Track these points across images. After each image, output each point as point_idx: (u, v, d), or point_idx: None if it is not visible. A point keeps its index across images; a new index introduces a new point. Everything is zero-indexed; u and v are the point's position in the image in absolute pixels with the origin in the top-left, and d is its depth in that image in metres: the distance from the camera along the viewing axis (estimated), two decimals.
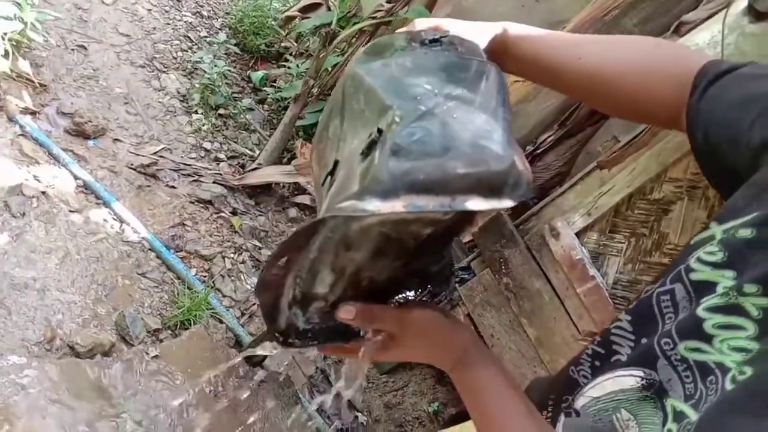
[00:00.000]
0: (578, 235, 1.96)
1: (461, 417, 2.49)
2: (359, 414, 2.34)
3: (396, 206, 0.52)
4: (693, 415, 0.58)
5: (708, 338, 0.60)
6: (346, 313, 0.71)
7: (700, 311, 0.61)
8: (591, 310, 1.91)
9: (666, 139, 1.76)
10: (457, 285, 2.30)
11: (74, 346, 1.82)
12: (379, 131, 0.56)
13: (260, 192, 2.91)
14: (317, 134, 0.75)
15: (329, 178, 0.64)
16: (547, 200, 2.05)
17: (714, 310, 0.60)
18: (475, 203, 0.54)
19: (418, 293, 0.80)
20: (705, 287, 0.62)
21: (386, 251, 0.69)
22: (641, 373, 0.68)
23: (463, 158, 0.53)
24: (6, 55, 2.42)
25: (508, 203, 0.56)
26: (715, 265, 0.62)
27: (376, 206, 0.52)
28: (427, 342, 0.75)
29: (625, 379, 0.70)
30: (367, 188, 0.53)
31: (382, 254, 0.69)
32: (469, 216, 0.76)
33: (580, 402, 0.77)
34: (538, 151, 2.40)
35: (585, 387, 0.77)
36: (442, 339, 0.75)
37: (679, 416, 0.61)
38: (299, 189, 2.98)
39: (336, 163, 0.64)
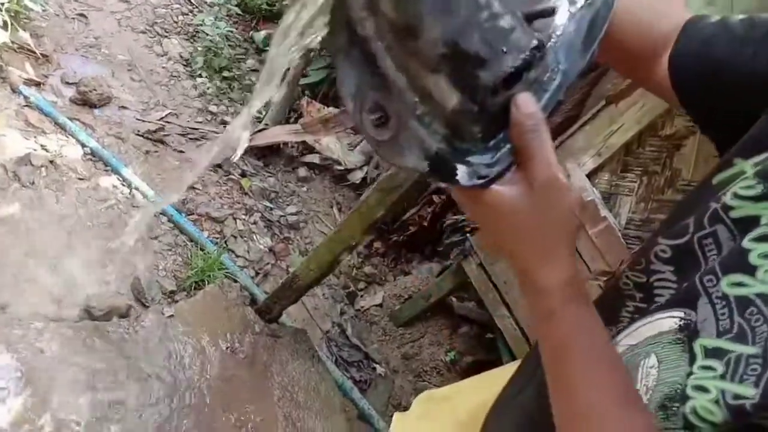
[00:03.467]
0: (589, 176, 1.93)
1: (478, 365, 2.50)
2: (377, 365, 2.37)
3: None
4: (740, 347, 0.56)
5: (752, 270, 0.57)
6: (528, 99, 0.55)
7: (746, 242, 0.59)
8: (604, 252, 1.89)
9: None
10: (468, 235, 2.29)
11: (91, 310, 1.85)
12: None
13: (268, 153, 2.90)
14: None
15: None
16: (556, 143, 2.01)
17: (760, 239, 0.58)
18: None
19: None
20: (748, 222, 0.60)
21: None
22: (681, 314, 0.65)
23: None
24: (5, 26, 2.40)
25: None
26: (755, 199, 0.60)
27: None
28: (563, 216, 0.57)
29: (664, 322, 0.67)
30: None
31: None
32: None
33: None
34: None
35: (618, 336, 0.75)
36: (575, 226, 0.59)
37: (713, 353, 0.59)
38: (308, 148, 2.97)
39: None
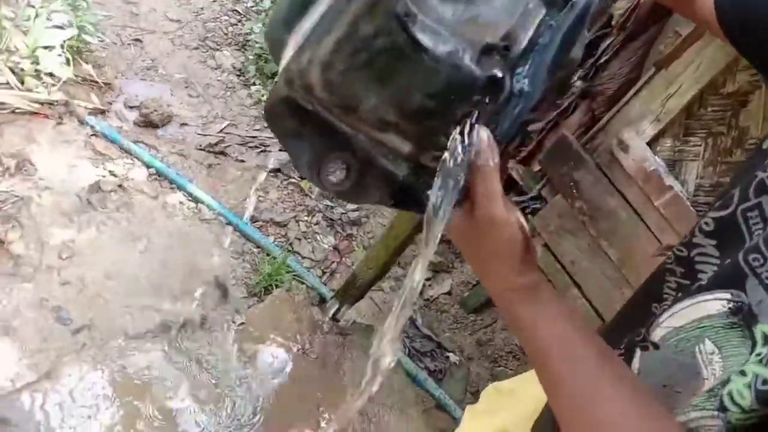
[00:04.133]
0: (650, 144, 1.83)
1: None
2: (451, 354, 2.36)
3: None
4: None
5: None
6: (482, 135, 0.58)
7: None
8: (673, 222, 1.79)
9: None
10: (529, 216, 2.23)
11: (168, 324, 1.95)
12: None
13: None
14: None
15: None
16: (612, 112, 1.92)
17: None
18: None
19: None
20: None
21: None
22: (728, 296, 0.62)
23: None
24: (68, 62, 2.55)
25: None
26: None
27: None
28: (500, 246, 0.62)
29: (710, 304, 0.64)
30: None
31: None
32: None
33: (657, 333, 0.71)
34: (601, 60, 2.24)
35: (662, 317, 0.72)
36: (518, 253, 0.62)
37: None
38: None
39: None
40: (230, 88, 3.10)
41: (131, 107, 2.73)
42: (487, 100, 0.58)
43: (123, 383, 1.70)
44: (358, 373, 2.01)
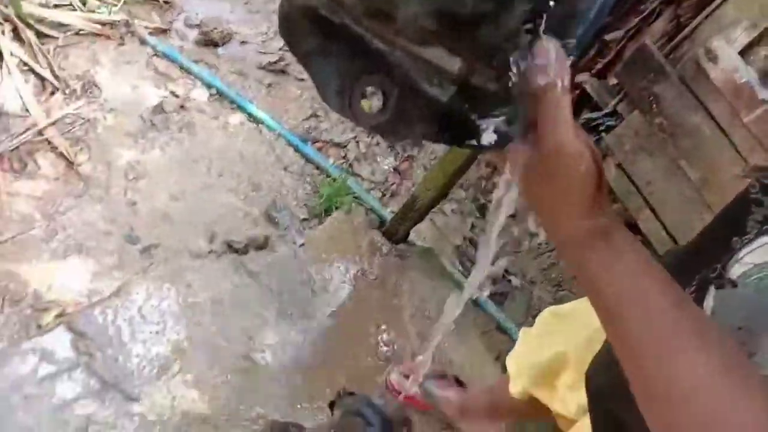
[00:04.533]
0: (742, 54, 1.64)
1: None
2: (513, 277, 2.31)
3: None
4: None
5: None
6: (549, 47, 0.50)
7: None
8: (764, 140, 1.63)
9: None
10: (603, 134, 2.09)
11: (232, 244, 1.98)
12: None
13: None
14: None
15: None
16: (700, 18, 1.72)
17: None
18: None
19: None
20: None
21: None
22: None
23: None
24: None
25: None
26: None
27: None
28: (570, 182, 0.55)
29: None
30: None
31: None
32: None
33: (736, 270, 0.65)
34: None
35: (741, 251, 0.65)
36: (590, 191, 0.55)
37: None
38: None
39: None
40: None
41: (191, 26, 2.70)
42: (553, 1, 0.47)
43: (189, 301, 1.76)
44: (416, 295, 2.00)
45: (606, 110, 2.10)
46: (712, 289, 0.69)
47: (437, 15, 0.47)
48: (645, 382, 0.53)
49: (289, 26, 0.53)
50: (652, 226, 1.97)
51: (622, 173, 2.03)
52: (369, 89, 0.53)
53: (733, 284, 0.66)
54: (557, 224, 0.58)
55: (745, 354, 0.63)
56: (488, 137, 0.53)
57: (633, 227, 2.17)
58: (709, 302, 0.69)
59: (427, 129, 0.55)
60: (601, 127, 2.10)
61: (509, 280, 2.29)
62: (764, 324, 0.62)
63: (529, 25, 0.49)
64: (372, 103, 0.53)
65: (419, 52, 0.51)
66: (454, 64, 0.51)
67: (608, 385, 0.91)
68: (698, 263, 0.74)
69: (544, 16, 0.48)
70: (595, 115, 2.13)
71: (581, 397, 1.09)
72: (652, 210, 1.96)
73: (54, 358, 1.59)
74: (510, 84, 0.51)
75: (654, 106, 1.87)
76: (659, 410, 0.52)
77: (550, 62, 0.49)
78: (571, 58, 0.53)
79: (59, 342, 1.62)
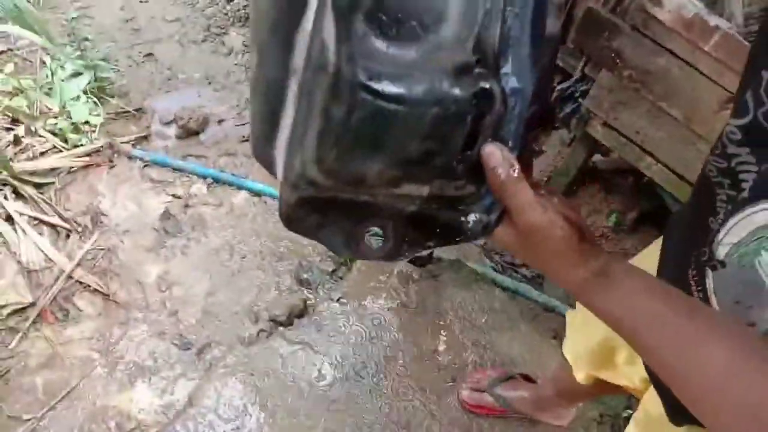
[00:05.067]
0: None
1: (644, 218, 2.39)
2: None
3: None
4: None
5: None
6: (493, 154, 0.58)
7: None
8: (729, 62, 1.67)
9: None
10: (580, 100, 2.14)
11: (276, 318, 2.07)
12: None
13: None
14: None
15: None
16: None
17: None
18: None
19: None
20: None
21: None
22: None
23: None
24: (95, 105, 2.62)
25: None
26: None
27: None
28: (552, 247, 0.62)
29: (758, 216, 0.64)
30: None
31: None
32: None
33: (721, 251, 0.71)
34: None
35: (720, 233, 0.71)
36: (573, 247, 0.62)
37: None
38: None
39: None
40: (248, 68, 3.09)
41: (168, 123, 2.79)
42: (482, 115, 0.56)
43: (257, 387, 1.85)
44: (459, 308, 2.07)
45: (576, 76, 2.16)
46: (708, 271, 0.75)
47: (395, 165, 0.57)
48: (684, 391, 0.59)
49: (291, 220, 0.63)
50: (655, 169, 2.02)
51: (610, 130, 2.08)
52: (368, 232, 0.63)
53: (722, 264, 0.72)
54: (557, 280, 0.66)
55: (756, 332, 0.70)
56: (475, 230, 0.64)
57: (637, 173, 2.22)
58: (709, 283, 0.75)
59: (428, 241, 0.66)
60: (576, 94, 2.15)
61: None
62: (753, 297, 0.69)
63: (470, 140, 0.58)
64: (374, 240, 0.64)
65: (395, 193, 0.61)
66: (424, 191, 0.61)
67: None
68: (689, 245, 0.80)
69: (479, 134, 0.57)
70: (566, 84, 2.18)
71: (642, 370, 1.14)
72: (650, 155, 2.01)
73: None
74: (473, 187, 0.61)
75: (618, 60, 1.92)
76: (705, 411, 0.57)
77: (497, 164, 0.59)
78: (515, 148, 0.61)
79: None
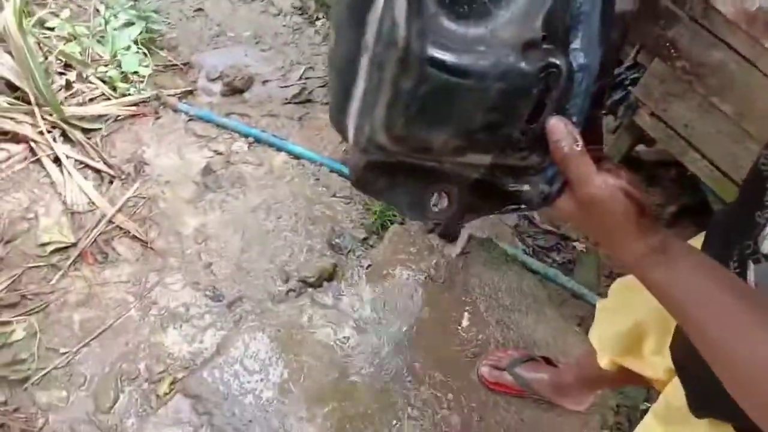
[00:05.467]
0: None
1: (684, 212, 2.35)
2: (576, 243, 2.36)
3: None
4: None
5: None
6: (557, 127, 0.60)
7: None
8: None
9: None
10: (629, 87, 2.11)
11: (306, 280, 2.11)
12: None
13: None
14: None
15: None
16: None
17: None
18: None
19: None
20: None
21: None
22: None
23: None
24: (145, 55, 2.67)
25: None
26: None
27: None
28: (611, 221, 0.64)
29: None
30: None
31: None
32: None
33: (766, 246, 0.71)
34: None
35: (766, 228, 0.71)
36: (632, 221, 0.63)
37: None
38: None
39: None
40: (297, 30, 3.10)
41: (214, 80, 2.83)
42: (548, 89, 0.58)
43: (282, 342, 1.90)
44: (486, 286, 2.09)
45: (627, 64, 2.12)
46: (750, 264, 0.75)
47: (461, 135, 0.59)
48: (728, 374, 0.60)
49: (361, 182, 0.66)
50: (701, 165, 1.99)
51: (658, 120, 2.04)
52: (434, 196, 0.67)
53: (766, 258, 0.72)
54: (616, 255, 0.67)
55: None
56: (536, 200, 0.66)
57: (680, 167, 2.19)
58: (750, 276, 0.75)
59: (489, 206, 0.69)
60: (626, 81, 2.11)
61: (573, 246, 2.35)
62: None
63: (535, 113, 0.59)
64: (440, 204, 0.67)
65: (459, 161, 0.63)
66: (487, 160, 0.63)
67: (690, 358, 0.98)
68: (733, 238, 0.80)
69: (544, 108, 0.58)
70: (618, 70, 2.14)
71: (668, 361, 1.15)
72: (696, 149, 1.98)
73: (180, 423, 1.76)
74: (537, 158, 0.63)
75: (672, 50, 1.88)
76: (748, 394, 0.58)
77: (561, 137, 0.59)
78: (580, 122, 0.62)
79: (180, 408, 1.78)
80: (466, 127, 0.58)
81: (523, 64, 0.55)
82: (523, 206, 0.67)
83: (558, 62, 0.57)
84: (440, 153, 0.61)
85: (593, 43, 0.60)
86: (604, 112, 2.36)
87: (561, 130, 0.60)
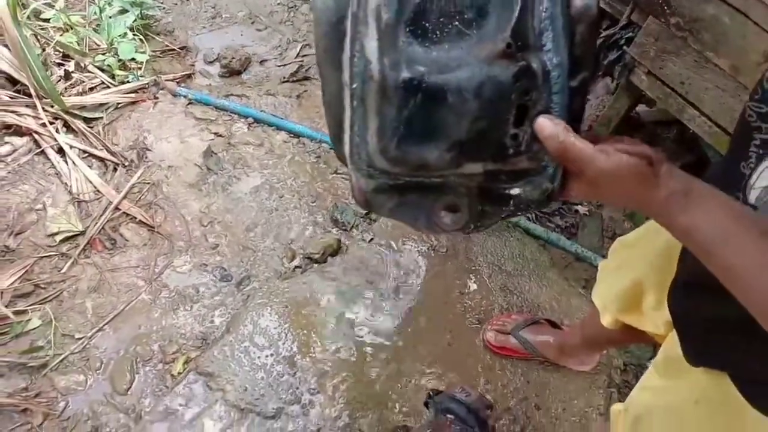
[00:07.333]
0: None
1: (685, 169, 2.37)
2: (578, 206, 2.37)
3: None
4: None
5: None
6: (544, 124, 0.63)
7: None
8: None
9: None
10: (624, 47, 2.09)
11: (311, 256, 2.14)
12: None
13: None
14: None
15: None
16: None
17: None
18: None
19: None
20: None
21: None
22: None
23: None
24: (142, 42, 2.68)
25: None
26: None
27: None
28: (626, 183, 0.65)
29: None
30: None
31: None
32: None
33: (753, 195, 0.73)
34: None
35: (751, 177, 0.72)
36: (647, 174, 0.64)
37: None
38: None
39: None
40: (292, 7, 3.09)
41: (211, 62, 2.84)
42: (527, 92, 0.62)
43: (290, 318, 1.94)
44: (489, 254, 2.11)
45: (622, 23, 2.10)
46: None
47: (453, 147, 0.63)
48: (759, 306, 0.61)
49: (371, 204, 0.71)
50: (699, 121, 1.98)
51: (654, 79, 2.03)
52: (443, 211, 0.71)
53: (754, 208, 0.73)
54: (639, 208, 0.69)
55: None
56: (540, 199, 0.70)
57: (681, 125, 2.18)
58: None
59: (501, 211, 0.72)
60: (621, 41, 2.10)
61: (576, 210, 2.35)
62: None
63: (520, 114, 0.63)
64: (451, 216, 0.71)
65: (459, 172, 0.67)
66: (481, 168, 0.66)
67: (685, 309, 1.00)
68: (725, 189, 0.81)
69: (527, 110, 0.61)
70: (612, 30, 2.12)
71: (666, 315, 1.17)
72: (694, 106, 1.97)
73: (194, 400, 1.81)
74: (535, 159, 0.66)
75: (666, 8, 1.86)
76: None
77: (550, 132, 0.63)
78: (566, 114, 0.65)
79: (194, 386, 1.83)
80: (456, 138, 0.62)
81: (497, 73, 0.59)
82: (531, 206, 0.70)
83: (531, 65, 0.60)
84: (439, 167, 0.64)
85: (560, 40, 0.62)
86: (600, 73, 2.35)
87: (549, 126, 0.63)
